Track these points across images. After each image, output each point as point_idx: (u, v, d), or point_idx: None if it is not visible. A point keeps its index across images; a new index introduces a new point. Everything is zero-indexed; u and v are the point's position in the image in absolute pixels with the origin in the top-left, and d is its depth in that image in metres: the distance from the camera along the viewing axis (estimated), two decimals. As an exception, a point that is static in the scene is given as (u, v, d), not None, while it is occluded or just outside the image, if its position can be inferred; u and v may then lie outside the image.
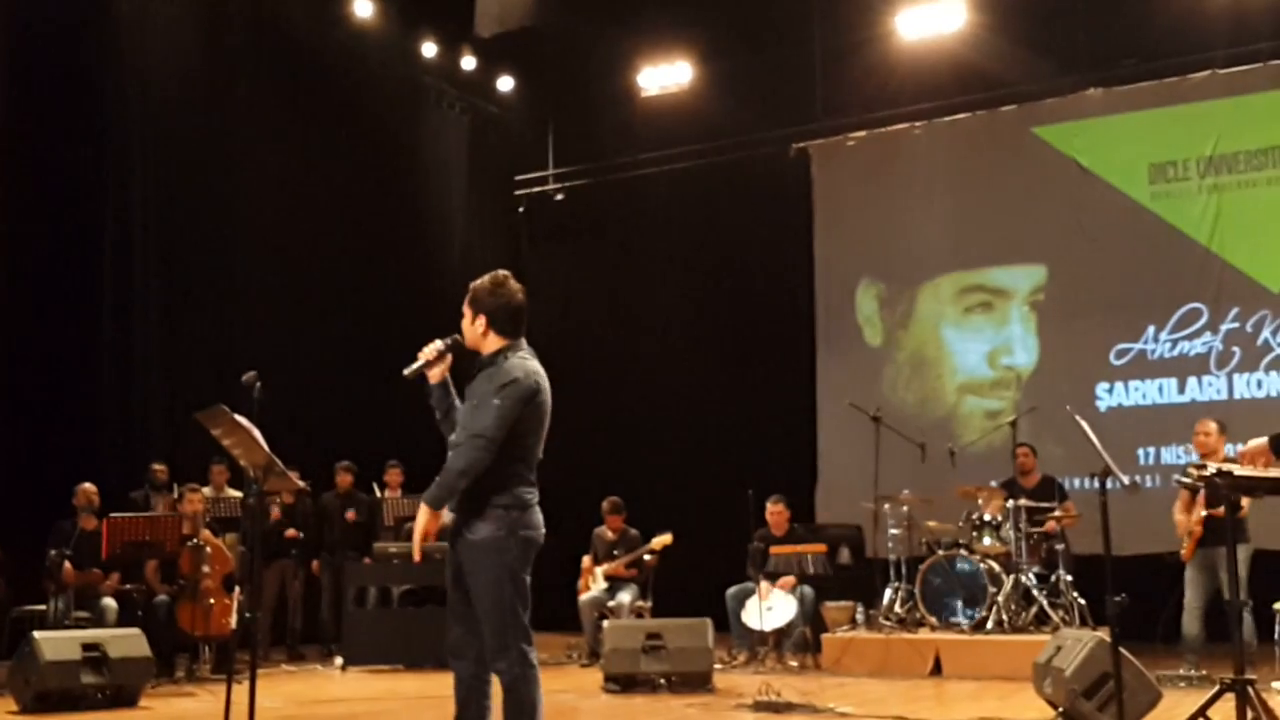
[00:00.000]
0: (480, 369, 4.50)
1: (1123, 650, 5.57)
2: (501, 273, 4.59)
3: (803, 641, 9.42)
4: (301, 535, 10.39)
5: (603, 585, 9.93)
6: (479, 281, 4.56)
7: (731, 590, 9.71)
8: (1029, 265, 11.90)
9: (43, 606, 8.80)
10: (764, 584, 9.40)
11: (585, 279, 13.89)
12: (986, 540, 9.13)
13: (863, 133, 12.72)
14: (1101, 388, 11.36)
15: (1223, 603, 7.51)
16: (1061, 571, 8.92)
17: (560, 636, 10.41)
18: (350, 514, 10.78)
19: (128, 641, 7.51)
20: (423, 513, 4.42)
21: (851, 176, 12.79)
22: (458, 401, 4.59)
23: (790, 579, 9.50)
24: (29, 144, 10.27)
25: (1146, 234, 11.28)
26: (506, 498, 4.40)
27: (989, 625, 8.77)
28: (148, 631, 7.79)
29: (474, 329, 4.51)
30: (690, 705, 7.27)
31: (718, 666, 8.42)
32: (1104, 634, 6.09)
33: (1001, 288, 12.01)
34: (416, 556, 4.69)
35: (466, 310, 4.53)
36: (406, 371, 4.56)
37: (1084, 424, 5.50)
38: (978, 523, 9.21)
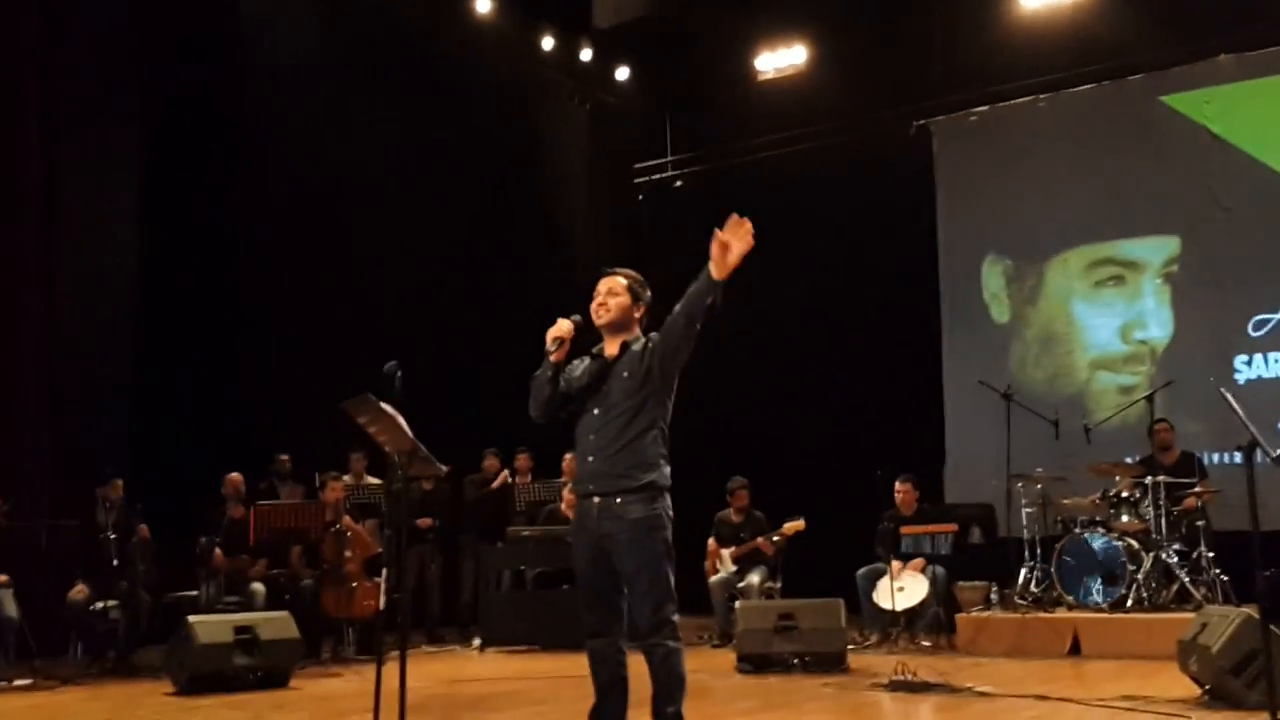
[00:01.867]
0: (624, 353, 4.64)
1: (1272, 627, 5.45)
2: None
3: (936, 622, 9.35)
4: (436, 523, 10.63)
5: (731, 567, 9.98)
6: (633, 273, 4.77)
7: (862, 571, 9.67)
8: (1161, 237, 11.62)
9: (194, 592, 9.17)
10: (895, 564, 9.35)
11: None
12: (1125, 517, 8.95)
13: (985, 107, 12.54)
14: (1240, 360, 11.04)
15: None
16: (1203, 548, 8.71)
17: (689, 619, 10.45)
18: (502, 476, 10.97)
19: (277, 624, 7.79)
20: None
21: (975, 152, 12.61)
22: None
23: (921, 560, 9.44)
24: (169, 145, 10.72)
25: (1283, 200, 10.93)
26: (661, 476, 4.55)
27: (1129, 604, 8.60)
28: (294, 615, 8.07)
29: (629, 310, 4.69)
30: (825, 685, 7.28)
31: (850, 647, 8.40)
32: (1251, 610, 5.96)
33: (1133, 260, 11.74)
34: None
35: (624, 292, 4.68)
36: (552, 356, 4.66)
37: (1229, 397, 5.37)
38: (1115, 500, 9.04)
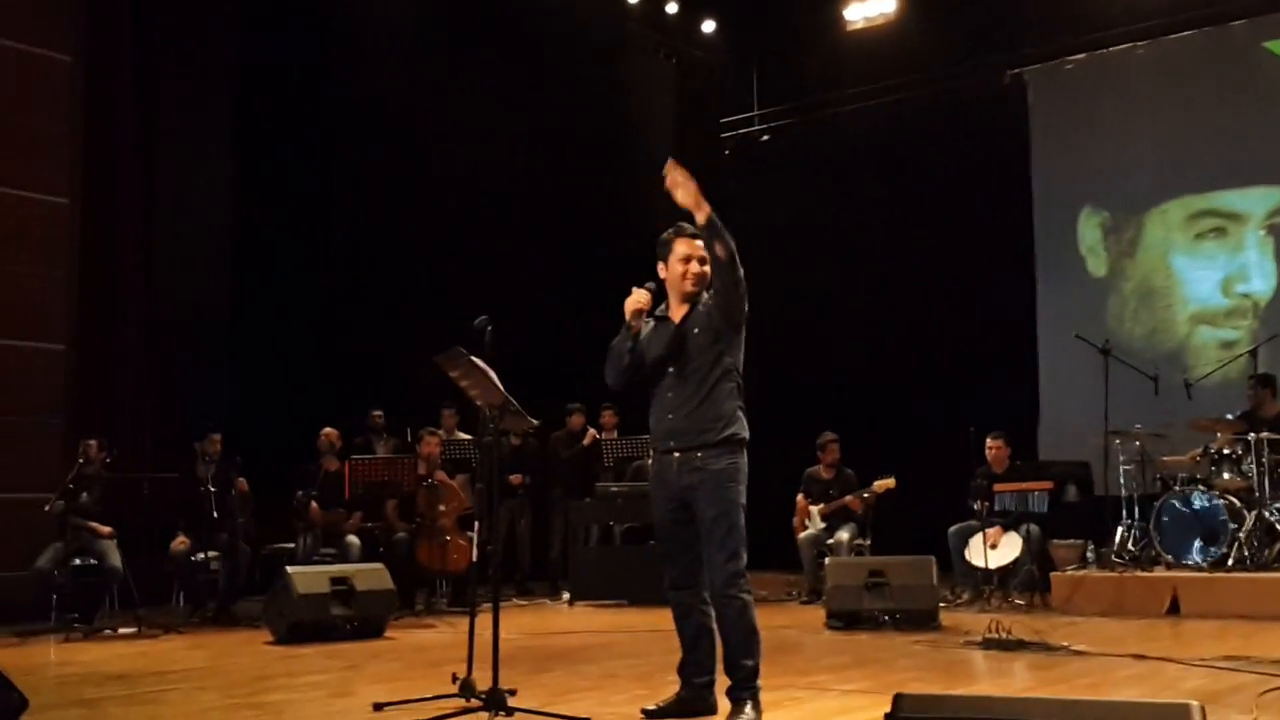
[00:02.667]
0: (691, 312, 4.68)
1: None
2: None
3: (1030, 580, 9.22)
4: (526, 479, 10.70)
5: (820, 524, 9.93)
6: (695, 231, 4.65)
7: (954, 529, 9.57)
8: (1264, 187, 11.27)
9: (290, 544, 9.37)
10: (995, 530, 9.22)
11: (794, 218, 13.77)
12: (1226, 475, 8.74)
13: (1081, 55, 12.23)
14: (1347, 313, 10.70)
15: None
16: (1309, 506, 8.48)
17: (778, 575, 10.48)
18: (591, 434, 11.03)
19: (372, 575, 7.92)
20: (699, 199, 4.52)
21: (1070, 101, 12.31)
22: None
23: (998, 529, 9.24)
24: (263, 104, 10.90)
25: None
26: (739, 428, 4.62)
27: (1229, 563, 8.42)
28: (389, 567, 8.20)
29: (710, 276, 4.66)
30: (917, 642, 7.22)
31: (941, 605, 8.32)
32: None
33: (1235, 211, 11.40)
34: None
35: (708, 259, 4.61)
36: (632, 326, 4.72)
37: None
38: (1216, 456, 8.83)
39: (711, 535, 4.53)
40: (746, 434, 4.65)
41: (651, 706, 4.75)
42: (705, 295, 4.70)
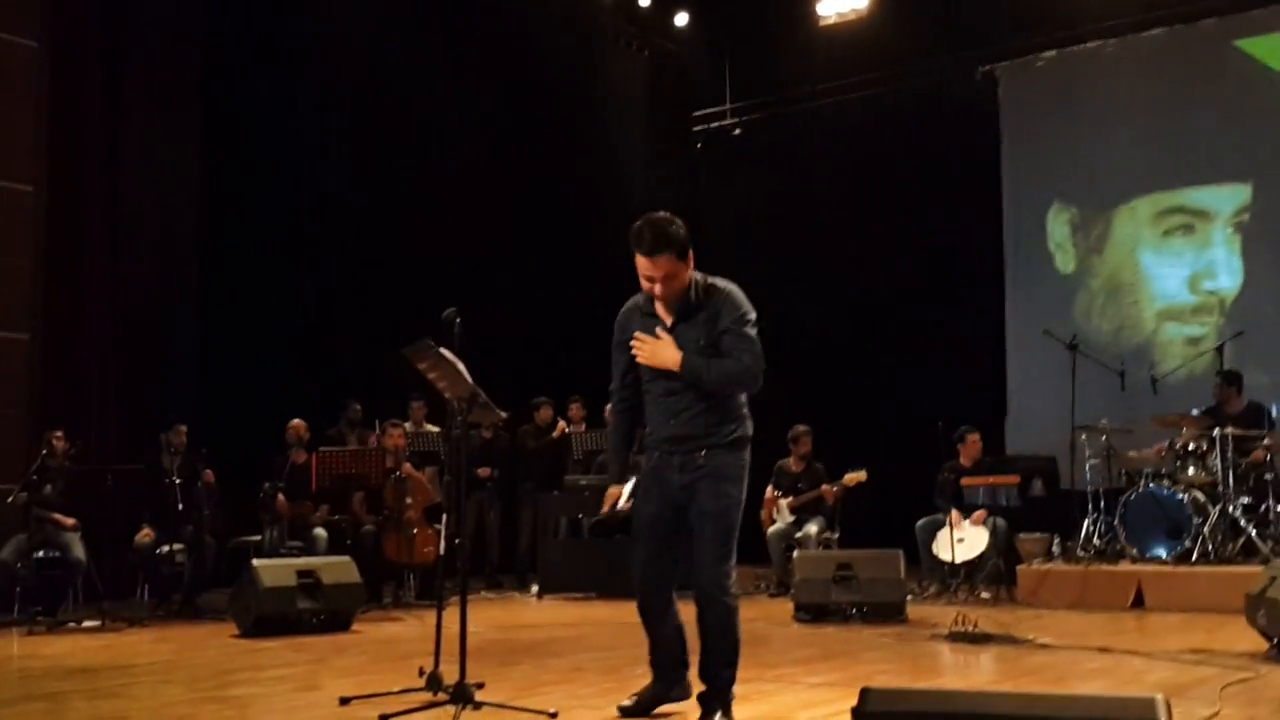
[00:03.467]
0: (687, 316, 4.37)
1: (1346, 580, 5.33)
2: (656, 216, 4.35)
3: (996, 573, 9.27)
4: (495, 472, 10.67)
5: (789, 518, 9.95)
6: (670, 226, 4.29)
7: (921, 522, 9.62)
8: (1233, 184, 11.37)
9: (257, 537, 9.31)
10: (955, 515, 9.29)
11: (764, 212, 13.80)
12: (1191, 470, 8.81)
13: (1052, 52, 12.30)
14: (1313, 311, 10.80)
15: None
16: (1271, 501, 8.55)
17: (746, 568, 10.44)
18: (561, 425, 11.00)
19: (339, 568, 7.88)
20: (672, 354, 4.29)
21: (1041, 98, 12.38)
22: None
23: (982, 512, 9.37)
24: (231, 83, 10.82)
25: (1362, 148, 10.64)
26: (744, 427, 4.46)
27: (1194, 557, 8.48)
28: (356, 560, 8.16)
29: (685, 277, 4.34)
30: (884, 635, 7.25)
31: (908, 598, 8.36)
32: (1324, 564, 5.85)
33: (1203, 209, 11.50)
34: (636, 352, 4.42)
35: (674, 265, 4.27)
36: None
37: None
38: (1181, 452, 8.89)
39: (705, 533, 4.36)
40: (750, 432, 4.48)
41: (627, 702, 4.62)
42: (702, 286, 4.38)
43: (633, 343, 4.42)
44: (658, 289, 4.32)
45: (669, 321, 4.41)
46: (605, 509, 4.70)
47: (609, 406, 4.71)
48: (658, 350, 4.35)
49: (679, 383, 4.36)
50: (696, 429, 4.38)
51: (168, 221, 10.50)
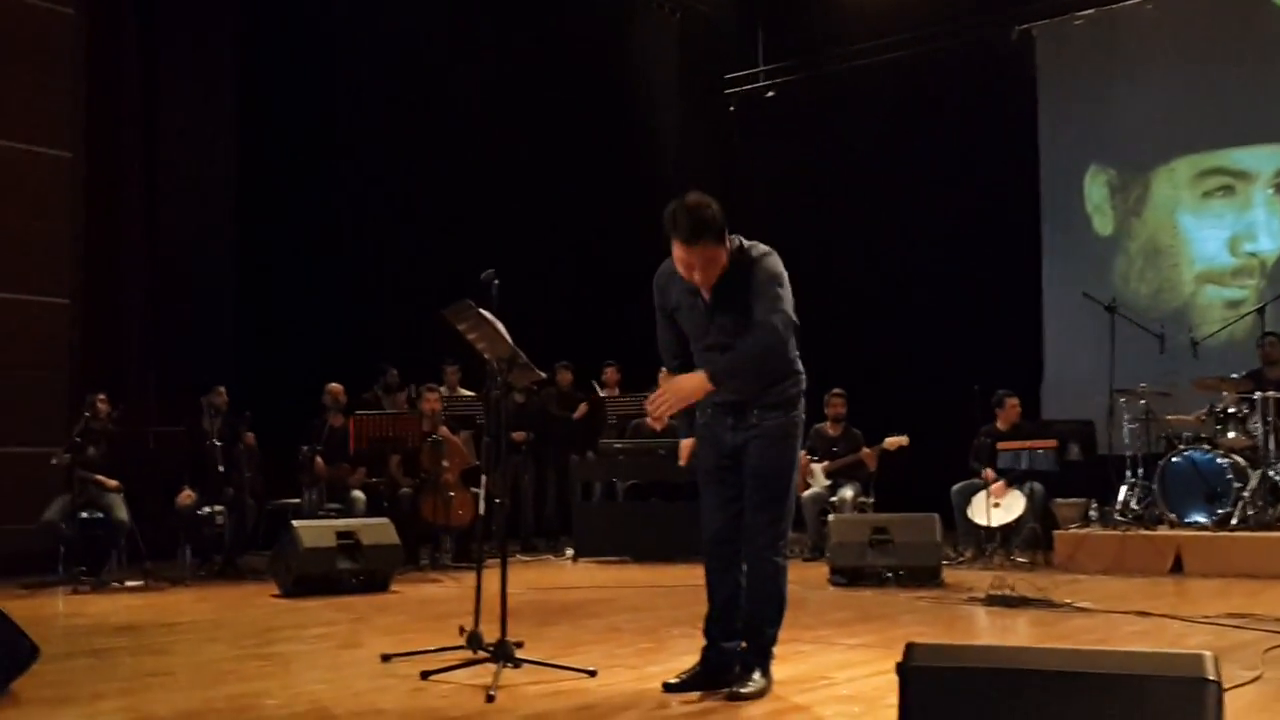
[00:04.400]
0: (727, 281, 4.29)
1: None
2: (691, 199, 4.24)
3: (1033, 538, 9.25)
4: (530, 436, 10.71)
5: (824, 482, 9.95)
6: (707, 209, 4.18)
7: (957, 486, 9.59)
8: (1273, 145, 11.24)
9: (296, 499, 9.38)
10: (988, 473, 9.25)
11: (798, 176, 13.71)
12: (1231, 434, 8.73)
13: (1090, 10, 12.14)
14: (1354, 272, 10.68)
15: None
16: (1313, 466, 8.48)
17: (782, 532, 10.48)
18: (582, 407, 11.04)
19: (378, 530, 7.94)
20: (697, 382, 4.24)
21: (1079, 58, 12.24)
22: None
23: (1001, 483, 9.27)
24: (266, 54, 10.87)
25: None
26: (796, 381, 4.41)
27: (1234, 521, 8.43)
28: (393, 522, 8.22)
29: (723, 257, 4.25)
30: (920, 599, 7.24)
31: (944, 562, 8.35)
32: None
33: (1244, 170, 11.35)
34: (657, 416, 4.36)
35: (715, 248, 4.19)
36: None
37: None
38: (1221, 415, 8.81)
39: (760, 493, 4.33)
40: (804, 385, 4.42)
41: (673, 680, 4.46)
42: (740, 250, 4.30)
43: (647, 406, 4.38)
44: (697, 276, 4.25)
45: (707, 293, 4.34)
46: (683, 460, 4.69)
47: (662, 370, 4.64)
48: (677, 394, 4.27)
49: (729, 341, 4.27)
50: (747, 392, 4.33)
51: (205, 186, 10.56)
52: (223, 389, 9.06)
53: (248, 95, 10.78)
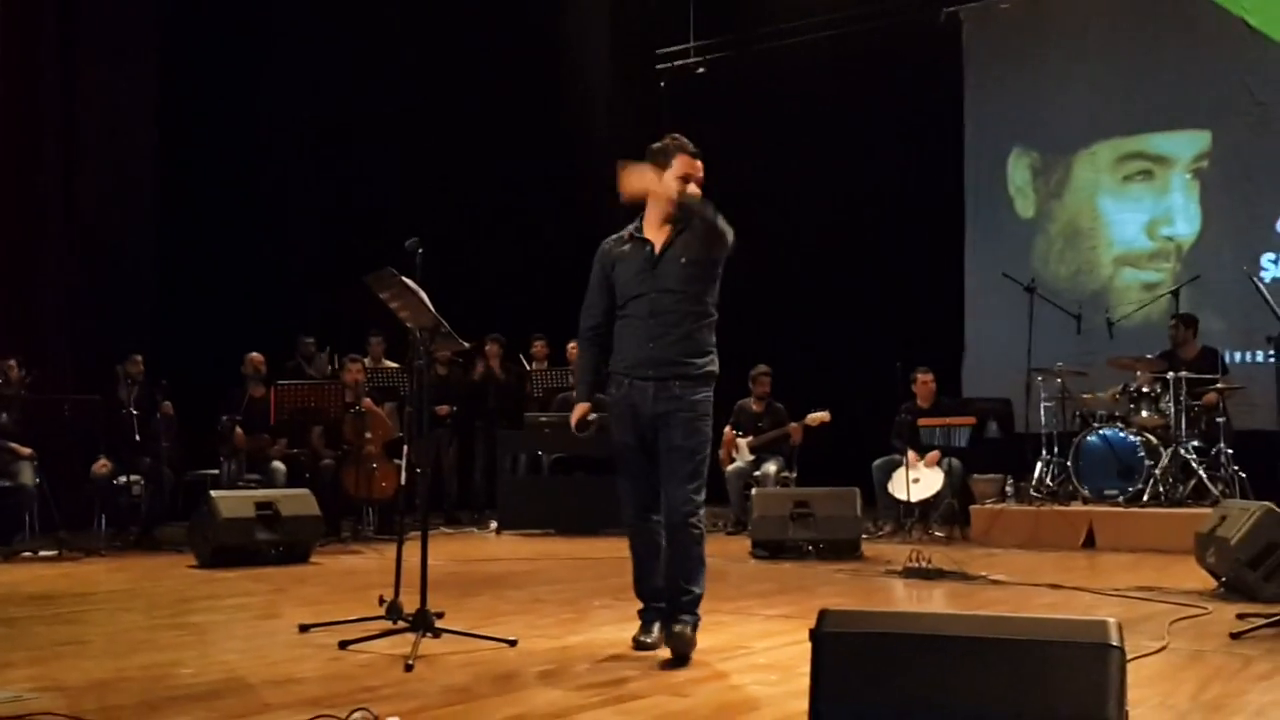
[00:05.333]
0: (676, 239, 4.59)
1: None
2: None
3: (950, 513, 9.41)
4: (453, 409, 10.64)
5: (749, 457, 10.02)
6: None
7: (877, 462, 9.71)
8: (1192, 131, 11.41)
9: (215, 470, 9.28)
10: (912, 455, 9.38)
11: (728, 152, 13.65)
12: (1144, 413, 8.94)
13: (1017, -6, 12.24)
14: (1267, 258, 10.91)
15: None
16: (1222, 445, 8.69)
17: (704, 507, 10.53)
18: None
19: (298, 500, 7.88)
20: (669, 179, 4.55)
21: (1004, 41, 12.36)
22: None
23: (936, 453, 9.45)
24: (187, 25, 10.59)
25: (1321, 96, 10.71)
26: (713, 363, 4.63)
27: (1145, 498, 8.63)
28: (315, 494, 8.14)
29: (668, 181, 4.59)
30: (840, 571, 7.34)
31: (864, 536, 8.46)
32: (1272, 505, 5.97)
33: (1163, 155, 11.55)
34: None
35: (699, 173, 4.61)
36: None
37: (1262, 287, 5.31)
38: (1135, 395, 9.01)
39: (679, 466, 4.48)
40: (717, 370, 4.64)
41: (647, 640, 4.60)
42: (685, 225, 4.59)
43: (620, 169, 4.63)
44: (692, 187, 4.56)
45: (658, 245, 4.57)
46: (574, 421, 4.77)
47: (575, 341, 4.80)
48: (643, 174, 4.57)
49: (659, 305, 4.50)
50: (674, 353, 4.51)
51: (124, 150, 10.36)
52: (139, 357, 8.92)
53: (169, 63, 10.56)
